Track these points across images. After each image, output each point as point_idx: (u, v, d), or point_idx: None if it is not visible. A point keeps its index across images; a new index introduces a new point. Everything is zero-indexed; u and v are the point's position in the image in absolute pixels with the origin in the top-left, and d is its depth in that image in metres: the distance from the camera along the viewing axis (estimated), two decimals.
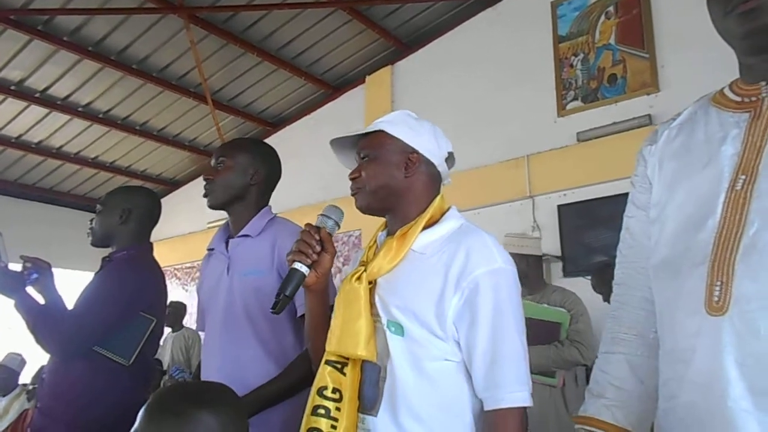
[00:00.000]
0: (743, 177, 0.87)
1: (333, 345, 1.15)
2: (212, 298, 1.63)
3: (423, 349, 1.11)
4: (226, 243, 1.68)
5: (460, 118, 4.28)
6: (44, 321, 1.73)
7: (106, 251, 1.97)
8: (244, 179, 1.65)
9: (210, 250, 1.72)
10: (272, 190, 1.75)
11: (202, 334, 1.78)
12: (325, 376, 1.15)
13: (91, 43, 4.30)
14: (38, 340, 1.76)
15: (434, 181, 1.25)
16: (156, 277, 1.91)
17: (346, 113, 5.05)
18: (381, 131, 1.23)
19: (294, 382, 1.44)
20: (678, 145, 1.00)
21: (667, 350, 0.95)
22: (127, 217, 1.92)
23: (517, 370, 1.09)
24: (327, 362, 1.16)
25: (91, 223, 2.00)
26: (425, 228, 1.18)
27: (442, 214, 1.22)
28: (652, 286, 1.01)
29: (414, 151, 1.22)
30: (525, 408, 1.09)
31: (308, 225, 1.20)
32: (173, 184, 6.15)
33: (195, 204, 5.06)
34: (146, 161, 5.85)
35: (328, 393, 1.13)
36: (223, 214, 1.74)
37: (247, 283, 1.56)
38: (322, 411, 1.12)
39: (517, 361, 1.09)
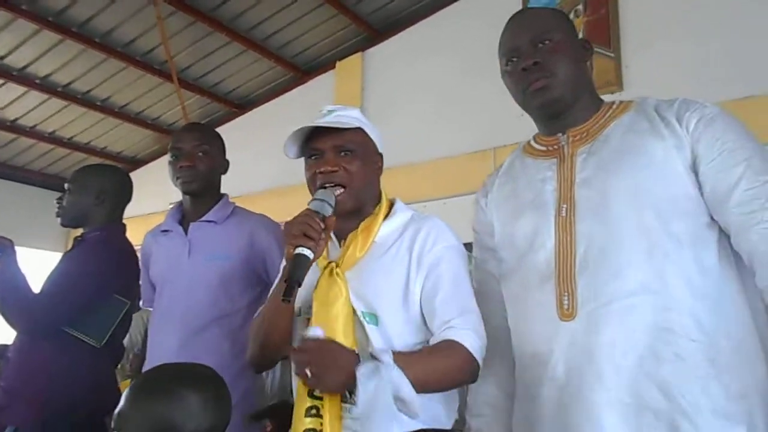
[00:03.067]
0: (565, 206, 1.11)
1: None
2: (169, 279, 1.63)
3: (397, 337, 1.16)
4: (182, 226, 1.67)
5: (429, 108, 4.29)
6: (15, 298, 1.69)
7: (54, 227, 1.91)
8: (220, 168, 1.68)
9: (165, 231, 1.70)
10: None
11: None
12: None
13: (51, 14, 4.13)
14: (7, 318, 1.71)
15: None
16: (130, 259, 1.87)
17: (315, 98, 5.00)
18: (361, 129, 1.26)
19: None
20: (508, 190, 1.25)
21: (527, 356, 1.14)
22: (104, 197, 1.87)
23: (476, 322, 1.15)
24: None
25: (59, 202, 1.94)
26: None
27: (391, 207, 1.31)
28: (507, 303, 1.21)
29: (380, 155, 1.32)
30: (474, 357, 1.11)
31: (309, 210, 1.18)
32: (134, 163, 6.00)
33: (156, 184, 4.95)
34: (106, 138, 5.68)
35: (317, 392, 1.13)
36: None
37: (212, 267, 1.58)
38: (314, 411, 1.13)
39: (470, 312, 1.16)
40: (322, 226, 1.16)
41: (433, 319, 1.16)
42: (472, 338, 1.11)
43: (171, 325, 1.58)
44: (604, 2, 3.84)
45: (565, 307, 1.06)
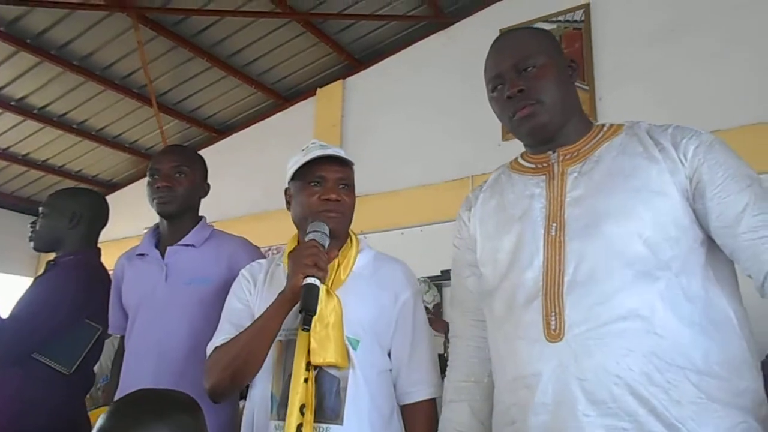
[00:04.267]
0: (554, 224, 1.09)
1: (321, 356, 1.19)
2: (144, 303, 1.59)
3: (375, 361, 1.25)
4: (158, 249, 1.64)
5: (408, 137, 4.34)
6: None
7: (25, 251, 1.87)
8: (200, 191, 1.67)
9: (141, 255, 1.67)
10: None
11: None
12: (305, 394, 1.18)
13: (30, 36, 4.11)
14: None
15: None
16: (104, 284, 1.82)
17: (295, 125, 5.03)
18: (352, 168, 1.39)
19: None
20: (494, 205, 1.23)
21: (508, 380, 1.10)
22: (78, 221, 1.84)
23: (434, 370, 1.33)
24: (305, 380, 1.20)
25: (33, 227, 1.89)
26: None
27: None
28: (488, 323, 1.18)
29: None
30: (435, 399, 1.32)
31: (315, 241, 1.25)
32: (110, 187, 5.92)
33: (131, 208, 4.88)
34: (82, 161, 5.61)
35: (306, 410, 1.18)
36: (157, 220, 1.70)
37: (190, 291, 1.55)
38: (302, 429, 1.16)
39: (434, 363, 1.35)
40: (327, 256, 1.24)
41: (399, 373, 1.31)
42: (433, 387, 1.32)
43: (146, 351, 1.53)
44: (578, 36, 3.96)
45: (552, 327, 1.03)
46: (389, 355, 1.32)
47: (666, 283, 1.01)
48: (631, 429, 0.96)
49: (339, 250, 1.34)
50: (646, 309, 1.00)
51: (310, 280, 1.17)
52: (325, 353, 1.18)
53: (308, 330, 1.15)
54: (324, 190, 1.31)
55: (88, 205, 1.89)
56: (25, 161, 5.44)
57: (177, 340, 1.52)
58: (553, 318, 1.03)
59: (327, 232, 1.26)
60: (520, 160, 1.26)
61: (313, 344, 1.19)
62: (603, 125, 1.21)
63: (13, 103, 4.71)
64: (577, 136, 1.18)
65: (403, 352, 1.31)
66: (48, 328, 1.65)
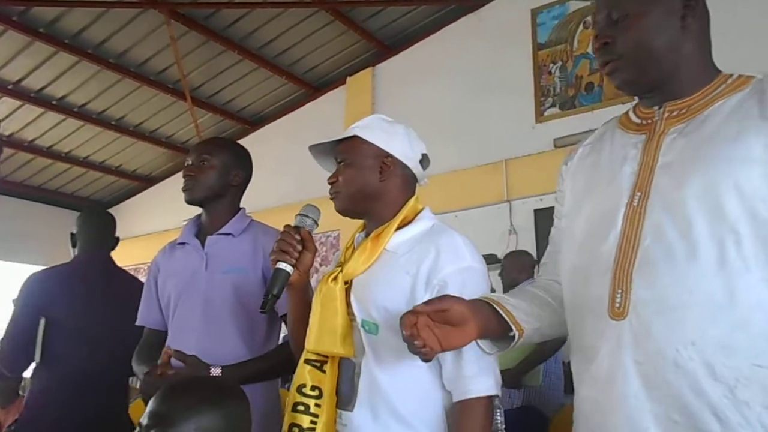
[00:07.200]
0: (639, 194, 0.98)
1: (312, 343, 1.17)
2: (186, 293, 1.61)
3: (395, 347, 1.10)
4: (199, 239, 1.67)
5: (440, 122, 4.30)
6: None
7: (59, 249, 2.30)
8: (226, 179, 1.66)
9: (182, 243, 1.70)
10: (244, 192, 1.77)
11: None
12: (304, 374, 1.18)
13: (67, 36, 4.23)
14: None
15: (409, 183, 1.27)
16: (48, 278, 2.10)
17: (327, 114, 5.05)
18: (356, 136, 1.24)
19: (275, 364, 1.51)
20: (589, 162, 1.12)
21: (574, 349, 1.06)
22: (74, 242, 2.19)
23: (481, 361, 1.10)
24: (306, 361, 1.19)
25: None
26: (399, 228, 1.21)
27: (416, 215, 1.24)
28: (564, 290, 1.11)
29: (388, 155, 1.23)
30: (492, 396, 1.11)
31: (287, 226, 1.22)
32: (148, 181, 6.07)
33: (170, 201, 5.00)
34: (121, 157, 5.76)
35: (308, 390, 1.16)
36: (197, 212, 1.73)
37: (227, 280, 1.57)
38: (302, 408, 1.15)
39: (482, 353, 1.10)
40: (298, 238, 1.19)
41: (444, 365, 1.12)
42: (487, 384, 1.10)
43: (189, 342, 1.56)
44: None
45: (617, 305, 0.95)
46: None
47: (752, 275, 0.89)
48: (682, 422, 0.88)
49: (374, 230, 1.23)
50: (725, 298, 0.89)
51: (280, 265, 1.17)
52: (314, 339, 1.16)
53: (264, 312, 1.17)
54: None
55: (77, 225, 2.20)
56: (68, 159, 5.61)
57: (216, 327, 1.55)
58: (619, 295, 0.95)
59: (312, 214, 1.23)
60: (631, 113, 1.11)
61: (308, 331, 1.18)
62: (729, 76, 1.03)
63: (54, 103, 4.87)
64: (693, 88, 1.02)
65: None
66: (11, 333, 1.99)
